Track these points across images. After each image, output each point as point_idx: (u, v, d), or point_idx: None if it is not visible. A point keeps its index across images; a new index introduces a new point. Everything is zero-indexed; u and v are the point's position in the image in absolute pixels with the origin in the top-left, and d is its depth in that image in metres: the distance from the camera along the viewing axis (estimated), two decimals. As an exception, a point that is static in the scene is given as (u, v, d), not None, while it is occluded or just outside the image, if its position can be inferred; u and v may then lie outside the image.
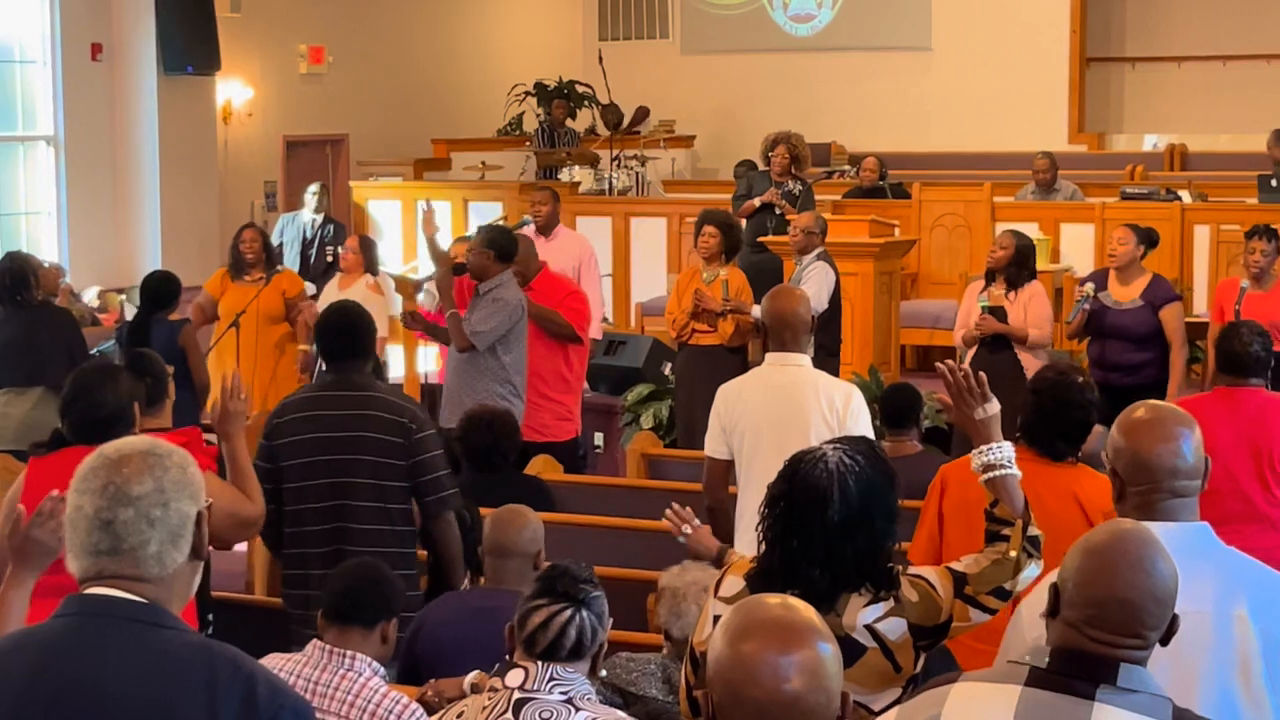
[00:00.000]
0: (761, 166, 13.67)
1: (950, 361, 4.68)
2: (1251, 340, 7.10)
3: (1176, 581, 3.23)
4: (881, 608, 4.05)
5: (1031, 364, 9.86)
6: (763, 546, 4.14)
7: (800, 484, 4.08)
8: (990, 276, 10.40)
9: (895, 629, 4.03)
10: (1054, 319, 10.69)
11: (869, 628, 3.99)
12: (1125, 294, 10.35)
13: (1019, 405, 5.86)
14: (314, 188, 15.28)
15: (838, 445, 4.17)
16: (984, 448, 4.50)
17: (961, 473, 5.89)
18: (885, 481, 4.14)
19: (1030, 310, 10.20)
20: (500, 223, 12.12)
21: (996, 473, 4.46)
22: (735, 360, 10.79)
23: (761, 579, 4.07)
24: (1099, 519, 5.51)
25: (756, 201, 13.06)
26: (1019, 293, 10.24)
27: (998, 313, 10.18)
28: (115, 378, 5.94)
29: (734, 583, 4.23)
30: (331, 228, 14.84)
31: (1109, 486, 5.57)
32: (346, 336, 6.78)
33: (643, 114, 20.10)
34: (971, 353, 10.44)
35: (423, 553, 6.80)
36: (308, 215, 14.89)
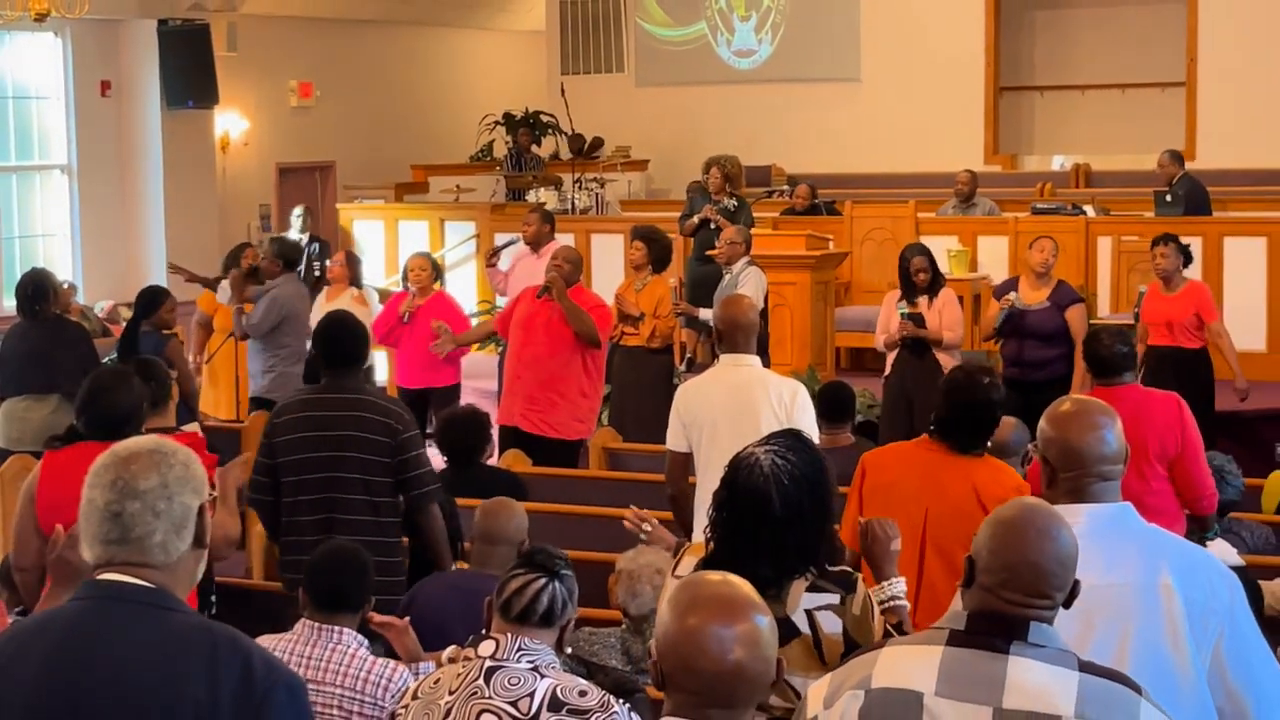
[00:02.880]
0: (677, 188, 13.75)
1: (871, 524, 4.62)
2: (1112, 343, 7.06)
3: (1076, 550, 3.26)
4: (823, 598, 4.04)
5: (949, 364, 9.93)
6: (711, 546, 4.14)
7: (740, 489, 4.06)
8: (912, 291, 10.49)
9: (831, 624, 4.01)
10: (964, 322, 10.78)
11: (808, 613, 3.98)
12: (1036, 296, 10.44)
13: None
14: (299, 210, 15.25)
15: (769, 446, 4.12)
16: (890, 582, 4.46)
17: (878, 459, 5.94)
18: (817, 471, 4.11)
19: (944, 315, 10.33)
20: (286, 235, 12.50)
21: (898, 603, 4.42)
22: (659, 360, 10.77)
23: (712, 568, 4.06)
24: (991, 505, 5.54)
25: (696, 219, 13.10)
26: (934, 300, 10.35)
27: (916, 318, 10.27)
28: (128, 381, 5.93)
29: (689, 564, 4.24)
30: (318, 246, 14.82)
31: (1005, 476, 5.65)
32: (342, 344, 6.78)
33: (598, 142, 20.10)
34: (893, 356, 10.54)
35: (406, 539, 6.80)
36: (295, 235, 14.83)
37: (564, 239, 15.25)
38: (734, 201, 13.10)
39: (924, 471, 5.57)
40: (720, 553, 4.06)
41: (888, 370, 10.62)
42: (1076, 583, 3.24)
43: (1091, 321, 12.24)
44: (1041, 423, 3.95)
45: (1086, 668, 3.15)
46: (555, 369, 9.78)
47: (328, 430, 6.56)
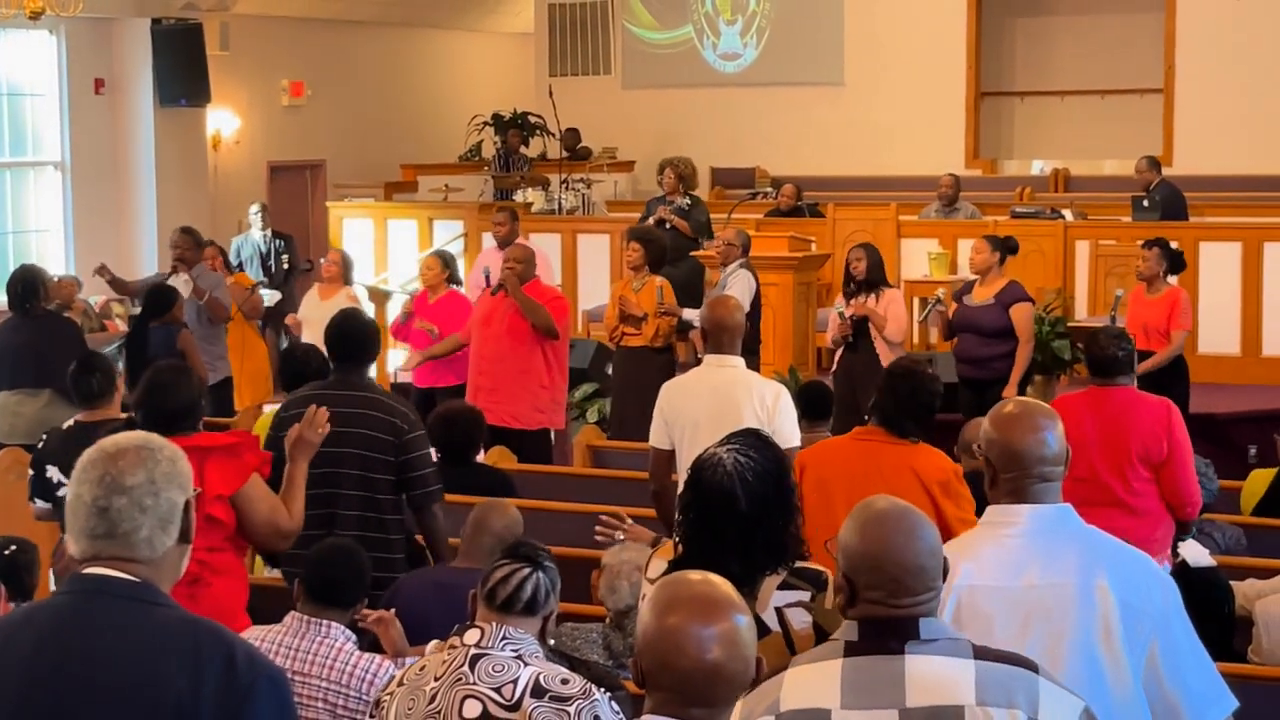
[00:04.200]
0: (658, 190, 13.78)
1: None
2: (1110, 344, 7.07)
3: (938, 533, 3.29)
4: (794, 595, 4.04)
5: (889, 359, 10.02)
6: (680, 548, 4.14)
7: (705, 488, 4.08)
8: (854, 288, 10.59)
9: (801, 619, 4.02)
10: (906, 322, 10.99)
11: (778, 610, 3.99)
12: (983, 295, 10.47)
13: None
14: (255, 207, 15.13)
15: (730, 445, 4.15)
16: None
17: (815, 455, 5.98)
18: (779, 468, 4.15)
19: (889, 314, 10.45)
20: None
21: None
22: (662, 359, 10.82)
23: (681, 569, 4.06)
24: (935, 488, 5.60)
25: (651, 220, 13.10)
26: (879, 298, 10.49)
27: (852, 319, 10.44)
28: (187, 376, 5.90)
29: (658, 566, 4.25)
30: (281, 241, 14.82)
31: (941, 459, 5.71)
32: (352, 342, 6.78)
33: (586, 148, 20.12)
34: (839, 354, 10.66)
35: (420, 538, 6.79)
36: (256, 233, 14.78)
37: (551, 239, 15.32)
38: (687, 200, 13.19)
39: (863, 461, 5.68)
40: (689, 552, 4.07)
41: (834, 368, 10.78)
42: (946, 560, 3.28)
43: (1070, 324, 12.30)
44: (984, 423, 3.96)
45: (982, 654, 3.17)
46: (515, 362, 10.03)
47: (335, 426, 6.54)
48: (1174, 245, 11.07)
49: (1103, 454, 6.71)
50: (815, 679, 3.18)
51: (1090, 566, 3.73)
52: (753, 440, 4.17)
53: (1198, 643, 3.77)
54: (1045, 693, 3.13)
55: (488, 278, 11.31)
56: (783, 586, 4.05)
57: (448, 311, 11.11)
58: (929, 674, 3.13)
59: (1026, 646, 3.49)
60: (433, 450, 6.84)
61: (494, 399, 9.97)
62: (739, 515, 3.99)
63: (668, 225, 12.84)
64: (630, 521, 5.57)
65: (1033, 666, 3.19)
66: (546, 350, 10.10)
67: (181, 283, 11.43)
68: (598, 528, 5.61)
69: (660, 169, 13.46)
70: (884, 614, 3.19)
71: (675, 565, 4.09)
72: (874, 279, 10.69)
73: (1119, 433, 6.83)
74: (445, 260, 11.65)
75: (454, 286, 11.48)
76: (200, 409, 5.81)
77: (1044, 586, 3.71)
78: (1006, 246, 10.65)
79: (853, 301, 10.64)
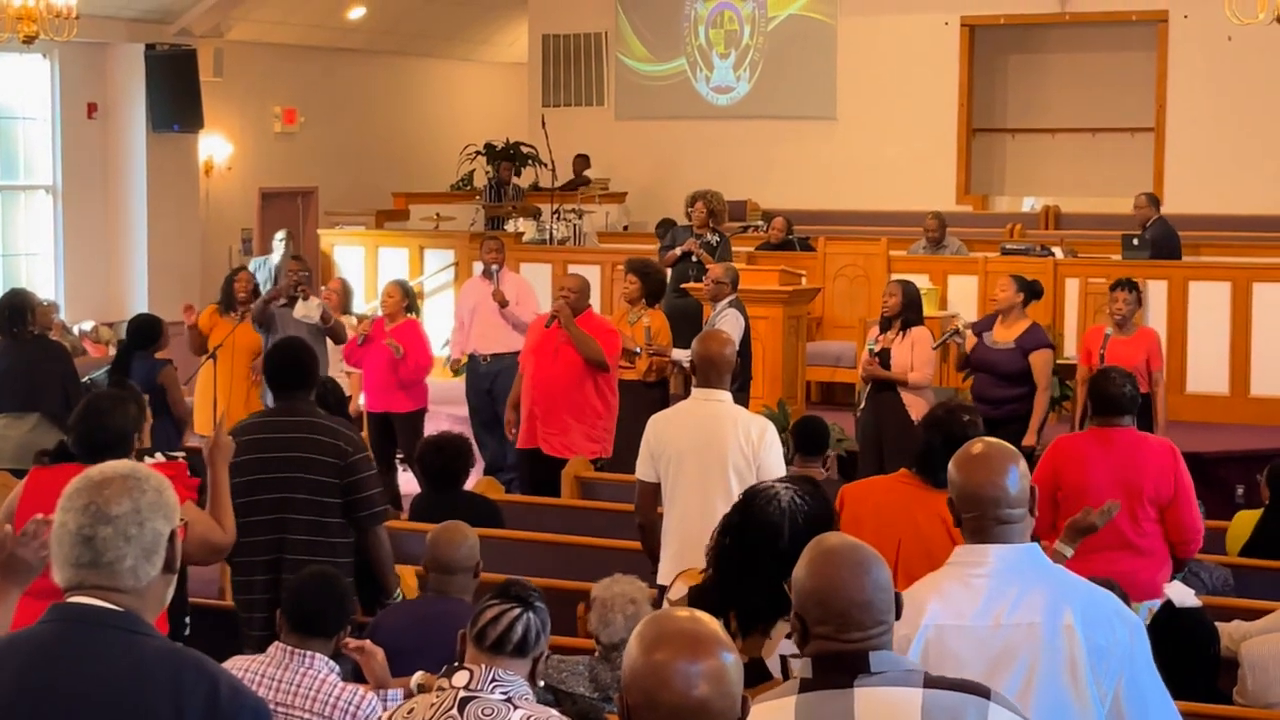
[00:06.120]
0: (683, 220, 13.76)
1: None
2: (1124, 383, 7.09)
3: (888, 567, 3.32)
4: None
5: (913, 402, 10.01)
6: (710, 571, 4.14)
7: (754, 518, 4.09)
8: (886, 323, 10.49)
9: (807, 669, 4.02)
10: (934, 361, 10.81)
11: (782, 658, 3.98)
12: (1004, 336, 10.46)
13: (904, 439, 5.94)
14: (281, 234, 15.23)
15: (789, 485, 4.19)
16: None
17: (857, 491, 5.99)
18: (828, 517, 4.17)
19: (916, 353, 10.33)
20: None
21: None
22: (654, 394, 10.85)
23: (704, 595, 4.06)
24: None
25: (678, 250, 13.14)
26: (907, 335, 10.37)
27: (883, 355, 10.31)
28: (123, 404, 5.88)
29: (680, 588, 4.26)
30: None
31: None
32: (292, 370, 6.81)
33: (583, 178, 20.16)
34: (866, 391, 10.60)
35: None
36: (277, 258, 14.80)
37: (542, 269, 15.35)
38: (715, 237, 13.18)
39: (899, 504, 5.70)
40: (719, 578, 4.08)
41: (862, 404, 10.69)
42: (898, 595, 3.30)
43: (1058, 362, 12.29)
44: (950, 464, 3.95)
45: (933, 683, 3.20)
46: (567, 393, 10.19)
47: (278, 452, 6.59)
48: (1148, 283, 11.04)
49: (1116, 496, 6.70)
50: (772, 716, 3.21)
51: (1057, 606, 3.74)
52: (810, 488, 4.22)
53: (1161, 684, 3.78)
54: (995, 716, 3.17)
55: (492, 276, 11.83)
56: (791, 635, 4.05)
57: (404, 339, 11.40)
58: (877, 705, 3.16)
59: (995, 686, 3.49)
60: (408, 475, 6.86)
61: (548, 429, 10.23)
62: (778, 552, 3.99)
63: (694, 259, 12.87)
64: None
65: (984, 693, 3.22)
66: (599, 380, 10.25)
67: (314, 306, 11.38)
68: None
69: (691, 201, 13.42)
70: (834, 649, 3.23)
71: (701, 588, 4.09)
72: (906, 317, 10.42)
73: (1131, 474, 6.86)
74: (405, 290, 11.95)
75: (411, 315, 11.80)
76: (132, 439, 5.76)
77: (1011, 626, 3.73)
78: (1032, 290, 10.62)
79: (880, 338, 10.49)
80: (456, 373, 12.89)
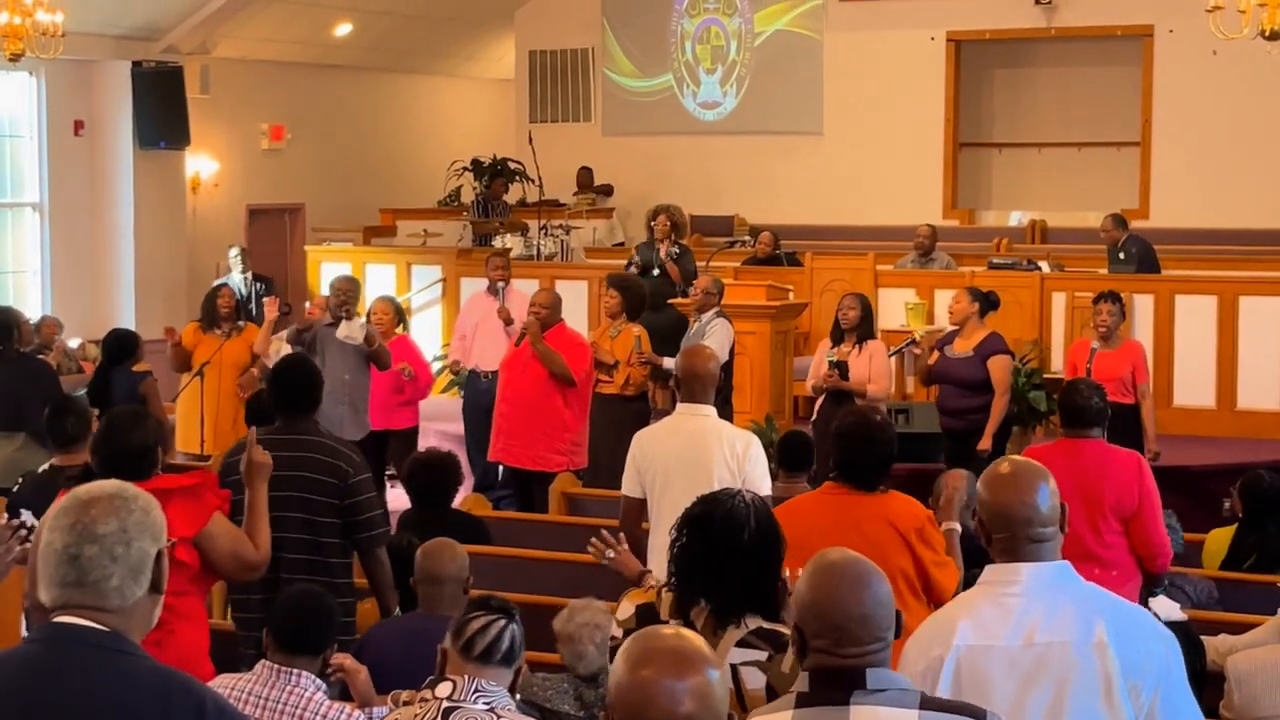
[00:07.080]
0: (644, 236, 13.87)
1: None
2: (1091, 395, 7.09)
3: (889, 585, 3.33)
4: (750, 654, 4.05)
5: None
6: (671, 569, 4.16)
7: (720, 511, 4.19)
8: (839, 335, 10.63)
9: (755, 680, 4.04)
10: (891, 374, 11.01)
11: (733, 668, 4.00)
12: (964, 346, 10.52)
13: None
14: (235, 251, 15.19)
15: (749, 492, 4.38)
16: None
17: (787, 513, 5.90)
18: (776, 527, 4.27)
19: (873, 365, 10.49)
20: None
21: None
22: (633, 407, 10.88)
23: (652, 613, 4.08)
24: (911, 535, 5.58)
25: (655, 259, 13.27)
26: (863, 347, 10.53)
27: (841, 367, 10.43)
28: (143, 421, 5.83)
29: (626, 608, 4.29)
30: (262, 284, 14.85)
31: (915, 506, 5.69)
32: (295, 389, 6.76)
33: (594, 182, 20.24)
34: (820, 401, 10.67)
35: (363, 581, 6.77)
36: (237, 276, 14.80)
37: (530, 284, 15.33)
38: (676, 249, 13.33)
39: (836, 514, 5.63)
40: (681, 575, 4.10)
41: (814, 416, 10.75)
42: (899, 613, 3.32)
43: (1045, 376, 12.32)
44: (978, 484, 3.96)
45: (929, 704, 3.21)
46: (534, 406, 10.41)
47: (277, 471, 6.53)
48: (1134, 296, 11.07)
49: (1076, 506, 6.67)
50: None
51: (1089, 623, 3.73)
52: (760, 503, 4.35)
53: (1194, 702, 3.78)
54: None
55: (498, 293, 12.03)
56: (741, 644, 4.06)
57: (402, 357, 11.40)
58: None
59: (1028, 705, 3.51)
60: (397, 492, 6.85)
61: (514, 442, 10.50)
62: (740, 545, 4.05)
63: (655, 272, 12.96)
64: (621, 549, 5.58)
65: (980, 715, 3.22)
66: (567, 394, 10.47)
67: (357, 327, 11.16)
68: (592, 540, 5.61)
69: (654, 214, 13.55)
70: (831, 664, 3.24)
71: (649, 607, 4.11)
72: (861, 331, 10.72)
73: (1092, 485, 6.84)
74: (397, 307, 12.06)
75: (401, 332, 11.91)
76: (156, 453, 5.73)
77: (1043, 645, 3.72)
78: (988, 300, 10.69)
79: (836, 350, 10.67)
80: (456, 374, 12.83)
